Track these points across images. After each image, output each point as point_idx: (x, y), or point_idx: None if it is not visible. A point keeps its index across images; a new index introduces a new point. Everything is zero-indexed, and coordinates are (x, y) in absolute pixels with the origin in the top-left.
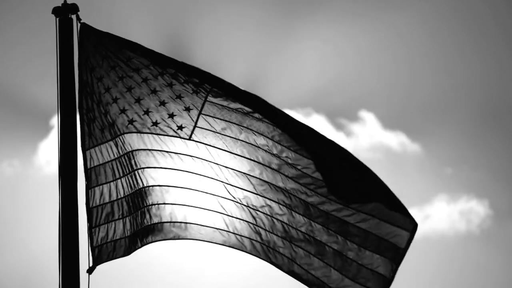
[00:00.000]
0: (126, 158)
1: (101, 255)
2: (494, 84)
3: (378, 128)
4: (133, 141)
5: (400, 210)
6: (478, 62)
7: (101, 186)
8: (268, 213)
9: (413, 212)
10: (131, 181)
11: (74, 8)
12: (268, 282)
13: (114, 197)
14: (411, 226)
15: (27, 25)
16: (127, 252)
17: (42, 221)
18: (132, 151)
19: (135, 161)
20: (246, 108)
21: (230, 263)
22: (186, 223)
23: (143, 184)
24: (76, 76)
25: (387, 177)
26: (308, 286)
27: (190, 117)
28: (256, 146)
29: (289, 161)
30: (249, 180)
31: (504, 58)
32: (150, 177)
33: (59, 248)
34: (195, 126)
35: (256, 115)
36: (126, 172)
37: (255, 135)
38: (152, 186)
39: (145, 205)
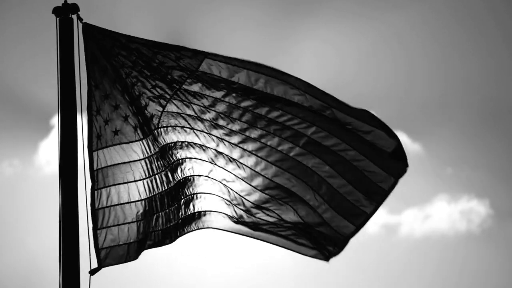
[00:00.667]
0: (147, 162)
1: (109, 257)
2: (495, 84)
3: None
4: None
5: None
6: (478, 62)
7: (108, 188)
8: (223, 183)
9: (413, 212)
10: (147, 185)
11: (75, 8)
12: (269, 282)
13: (124, 200)
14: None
15: (28, 24)
16: (134, 256)
17: (42, 221)
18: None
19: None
20: (220, 92)
21: (232, 263)
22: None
23: (163, 188)
24: (76, 76)
25: None
26: (279, 246)
27: (161, 104)
28: (218, 126)
29: (253, 135)
30: (205, 152)
31: (504, 58)
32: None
33: (60, 249)
34: (162, 111)
35: (228, 98)
36: (144, 176)
37: (221, 117)
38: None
39: (159, 210)
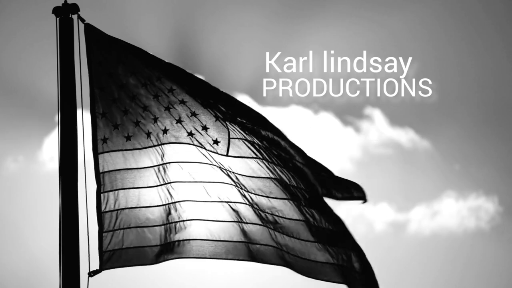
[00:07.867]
0: (161, 169)
1: (111, 260)
2: (503, 82)
3: (386, 124)
4: (170, 152)
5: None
6: (479, 62)
7: (116, 192)
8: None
9: (421, 209)
10: (158, 193)
11: (75, 8)
12: (270, 281)
13: (133, 204)
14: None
15: (32, 20)
16: (144, 261)
17: (45, 219)
18: (167, 163)
19: (168, 174)
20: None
21: (235, 263)
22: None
23: (173, 199)
24: (76, 76)
25: (397, 173)
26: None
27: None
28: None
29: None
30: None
31: (504, 57)
32: (182, 192)
33: (60, 249)
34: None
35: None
36: (153, 183)
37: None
38: (183, 201)
39: (172, 220)
